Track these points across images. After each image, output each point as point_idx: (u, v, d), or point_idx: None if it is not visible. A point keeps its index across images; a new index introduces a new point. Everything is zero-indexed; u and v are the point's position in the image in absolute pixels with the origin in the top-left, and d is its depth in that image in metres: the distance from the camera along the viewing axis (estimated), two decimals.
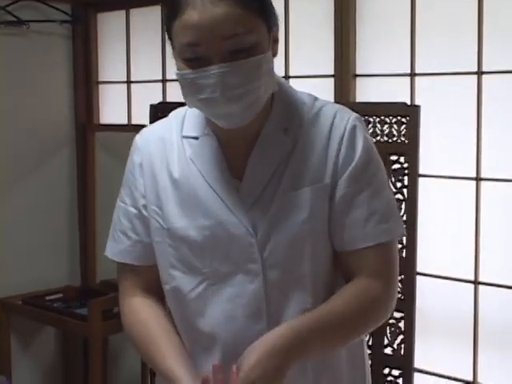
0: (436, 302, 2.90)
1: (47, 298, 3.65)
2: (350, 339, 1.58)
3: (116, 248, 1.69)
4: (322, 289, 1.57)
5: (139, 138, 1.69)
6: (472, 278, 2.78)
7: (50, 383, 3.85)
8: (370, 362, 1.71)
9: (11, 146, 3.65)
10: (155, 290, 1.67)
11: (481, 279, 2.77)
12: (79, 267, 3.79)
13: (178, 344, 1.58)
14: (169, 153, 1.62)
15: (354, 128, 1.57)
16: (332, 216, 1.56)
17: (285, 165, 1.55)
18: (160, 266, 1.64)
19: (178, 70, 1.49)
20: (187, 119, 1.64)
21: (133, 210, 1.66)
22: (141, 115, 3.71)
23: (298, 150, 1.55)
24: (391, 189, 1.64)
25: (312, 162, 1.55)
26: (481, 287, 2.77)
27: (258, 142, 1.56)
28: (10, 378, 3.50)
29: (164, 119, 1.70)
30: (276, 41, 1.54)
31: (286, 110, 1.58)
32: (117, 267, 1.71)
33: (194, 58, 1.45)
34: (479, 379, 2.81)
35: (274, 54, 1.53)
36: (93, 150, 3.86)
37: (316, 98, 1.63)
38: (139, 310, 1.65)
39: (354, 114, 1.60)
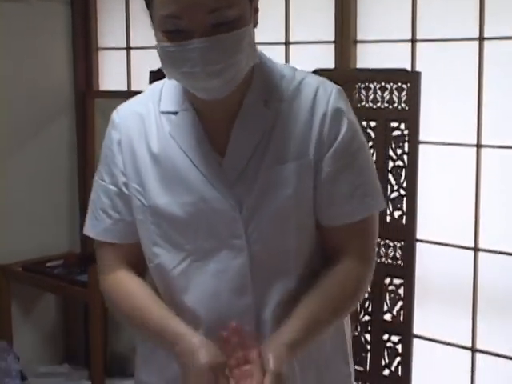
0: (435, 269, 2.91)
1: (48, 264, 3.66)
2: (345, 316, 1.65)
3: (98, 227, 1.64)
4: (305, 263, 1.58)
5: (116, 115, 1.65)
6: (472, 244, 2.79)
7: (50, 349, 3.88)
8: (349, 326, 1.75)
9: (10, 112, 3.65)
10: (138, 267, 1.64)
11: (480, 246, 2.78)
12: (79, 234, 3.80)
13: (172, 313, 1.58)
14: (147, 129, 1.59)
15: (337, 103, 1.55)
16: (317, 192, 1.55)
17: (267, 139, 1.53)
18: (143, 244, 1.61)
19: (157, 41, 1.46)
20: (164, 94, 1.60)
21: (113, 187, 1.62)
22: (140, 81, 3.70)
23: (281, 123, 1.54)
24: (373, 162, 1.64)
25: (295, 137, 1.53)
26: (480, 254, 2.78)
27: (239, 114, 1.54)
28: (11, 343, 3.52)
29: (140, 94, 1.67)
30: (256, 10, 1.51)
31: (266, 82, 1.56)
32: (95, 244, 1.67)
33: (174, 30, 1.41)
34: (478, 345, 2.83)
35: (255, 25, 1.51)
36: (92, 116, 3.85)
37: (295, 69, 1.61)
38: (127, 283, 1.62)
39: (336, 87, 1.58)
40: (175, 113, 1.58)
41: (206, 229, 1.52)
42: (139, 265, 1.64)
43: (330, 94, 1.55)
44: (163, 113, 1.59)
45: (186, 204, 1.53)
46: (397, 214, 2.85)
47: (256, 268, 1.53)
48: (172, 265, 1.56)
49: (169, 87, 1.60)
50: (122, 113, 1.65)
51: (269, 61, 1.59)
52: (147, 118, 1.60)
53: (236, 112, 1.54)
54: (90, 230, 1.67)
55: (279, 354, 1.45)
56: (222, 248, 1.52)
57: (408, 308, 2.93)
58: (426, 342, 2.95)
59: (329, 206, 1.55)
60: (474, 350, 2.83)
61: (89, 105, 3.83)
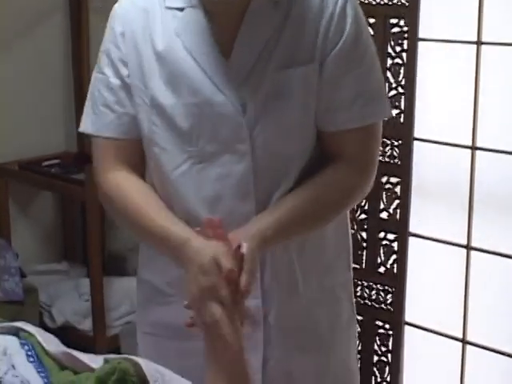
0: (432, 168, 2.90)
1: (44, 163, 3.64)
2: (327, 223, 1.61)
3: (98, 122, 1.59)
4: (305, 169, 1.56)
5: (119, 7, 1.59)
6: (470, 143, 2.78)
7: (49, 247, 3.90)
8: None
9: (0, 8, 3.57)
10: (139, 168, 1.61)
11: (478, 144, 2.76)
12: (76, 133, 3.77)
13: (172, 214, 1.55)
14: (152, 25, 1.53)
15: (344, 3, 1.52)
16: (319, 96, 1.52)
17: (275, 41, 1.49)
18: (144, 143, 1.58)
19: None
20: None
21: (116, 81, 1.57)
22: None
23: (289, 26, 1.50)
24: (380, 68, 1.60)
25: (303, 41, 1.50)
26: (478, 152, 2.77)
27: (247, 14, 1.49)
28: (9, 240, 3.54)
29: None
30: None
31: None
32: (94, 143, 1.63)
33: None
34: (473, 243, 2.84)
35: None
36: (86, 13, 3.76)
37: None
38: (127, 184, 1.58)
39: None
40: (181, 9, 1.52)
41: (210, 132, 1.49)
42: (140, 166, 1.60)
43: None
44: (169, 8, 1.53)
45: (190, 105, 1.50)
46: (394, 112, 2.82)
47: (259, 173, 1.51)
48: (172, 166, 1.53)
49: None
50: (125, 6, 1.59)
51: None
52: (151, 12, 1.54)
53: (244, 12, 1.49)
54: (89, 126, 1.61)
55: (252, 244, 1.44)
56: (224, 152, 1.50)
57: (404, 206, 2.94)
58: (422, 240, 2.96)
59: (328, 111, 1.53)
60: (469, 247, 2.84)
61: (82, 1, 3.74)
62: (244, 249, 1.42)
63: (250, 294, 1.41)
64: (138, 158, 1.60)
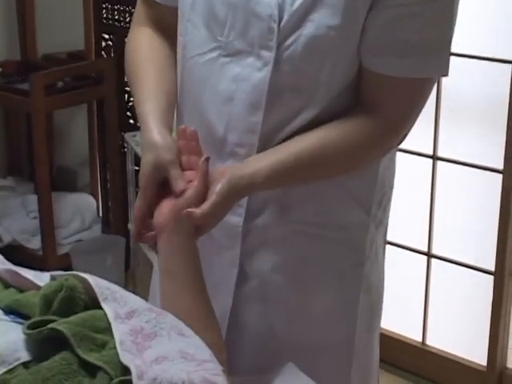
0: None
1: None
2: (335, 175, 1.42)
3: None
4: (330, 102, 1.38)
5: None
6: None
7: None
8: None
9: None
10: (168, 33, 1.53)
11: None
12: (18, 40, 3.59)
13: (168, 90, 1.46)
14: None
15: None
16: (370, 28, 1.32)
17: None
18: (180, 15, 1.47)
19: None
20: None
21: None
22: None
23: None
24: (454, 19, 1.35)
25: None
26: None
27: None
28: None
29: None
30: None
31: None
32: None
33: None
34: (439, 153, 2.76)
35: None
36: None
37: None
38: (142, 39, 1.53)
39: None
40: None
41: (241, 28, 1.36)
42: (171, 31, 1.51)
43: None
44: None
45: None
46: None
47: (277, 87, 1.36)
48: (200, 50, 1.42)
49: None
50: None
51: None
52: None
53: None
54: None
55: (234, 183, 1.31)
56: (250, 54, 1.37)
57: None
58: None
59: (379, 51, 1.33)
60: (435, 158, 2.77)
61: None
62: (216, 188, 1.30)
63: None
64: (169, 25, 1.52)
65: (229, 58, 1.39)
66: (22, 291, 1.22)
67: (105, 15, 3.45)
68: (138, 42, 1.54)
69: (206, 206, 1.28)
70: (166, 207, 1.30)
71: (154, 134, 1.35)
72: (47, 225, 3.29)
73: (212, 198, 1.29)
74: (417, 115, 1.39)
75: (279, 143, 1.38)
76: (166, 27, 1.53)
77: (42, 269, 1.30)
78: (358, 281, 1.50)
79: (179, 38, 1.49)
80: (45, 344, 1.07)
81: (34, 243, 3.40)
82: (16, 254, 3.27)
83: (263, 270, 1.46)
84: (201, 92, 1.44)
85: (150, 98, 1.43)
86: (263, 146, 1.38)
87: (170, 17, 1.50)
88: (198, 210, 1.27)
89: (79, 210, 3.42)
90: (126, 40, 1.60)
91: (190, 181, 1.31)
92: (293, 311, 1.47)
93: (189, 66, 1.46)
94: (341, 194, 1.45)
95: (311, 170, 1.38)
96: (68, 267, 3.19)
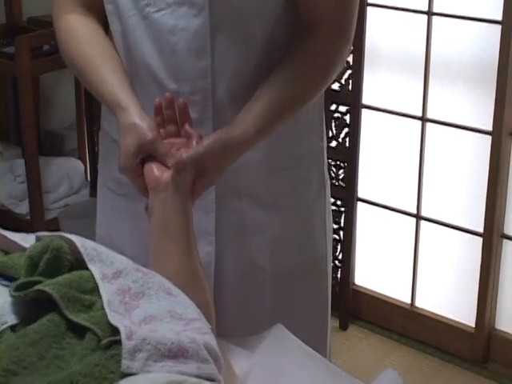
0: (386, 36, 2.77)
1: None
2: (311, 101, 1.47)
3: None
4: (268, 33, 1.41)
5: None
6: (426, 8, 2.64)
7: None
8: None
9: None
10: (95, 10, 1.51)
11: (435, 10, 2.63)
12: (3, 2, 3.53)
13: (120, 68, 1.45)
14: None
15: None
16: None
17: None
18: None
19: None
20: None
21: None
22: None
23: None
24: None
25: None
26: (434, 18, 2.63)
27: None
28: None
29: None
30: None
31: None
32: None
33: None
34: (428, 114, 2.74)
35: None
36: None
37: None
38: (77, 27, 1.50)
39: None
40: None
41: None
42: (101, 11, 1.50)
43: None
44: None
45: None
46: None
47: (217, 29, 1.39)
48: (131, 12, 1.42)
49: None
50: None
51: None
52: None
53: None
54: None
55: (218, 147, 1.33)
56: (182, 4, 1.38)
57: (357, 76, 2.80)
58: (375, 112, 2.84)
59: None
60: (424, 119, 2.74)
61: None
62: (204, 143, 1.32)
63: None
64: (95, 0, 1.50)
65: (160, 12, 1.40)
66: (7, 253, 1.22)
67: None
68: (75, 30, 1.50)
69: (199, 146, 1.31)
70: (158, 169, 1.31)
71: (131, 115, 1.35)
72: (35, 189, 3.25)
73: (205, 141, 1.32)
74: (356, 15, 1.44)
75: (234, 85, 1.41)
76: (96, 7, 1.51)
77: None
78: (323, 204, 1.64)
79: (107, 7, 1.48)
80: (32, 306, 1.07)
81: (22, 208, 3.36)
82: (4, 218, 3.24)
83: (239, 208, 1.51)
84: (144, 52, 1.44)
85: (111, 79, 1.42)
86: (217, 90, 1.41)
87: None
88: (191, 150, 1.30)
89: (67, 174, 3.39)
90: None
91: (178, 149, 1.32)
92: (270, 241, 1.54)
93: (121, 30, 1.46)
94: (299, 128, 1.53)
95: (293, 108, 1.43)
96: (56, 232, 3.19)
